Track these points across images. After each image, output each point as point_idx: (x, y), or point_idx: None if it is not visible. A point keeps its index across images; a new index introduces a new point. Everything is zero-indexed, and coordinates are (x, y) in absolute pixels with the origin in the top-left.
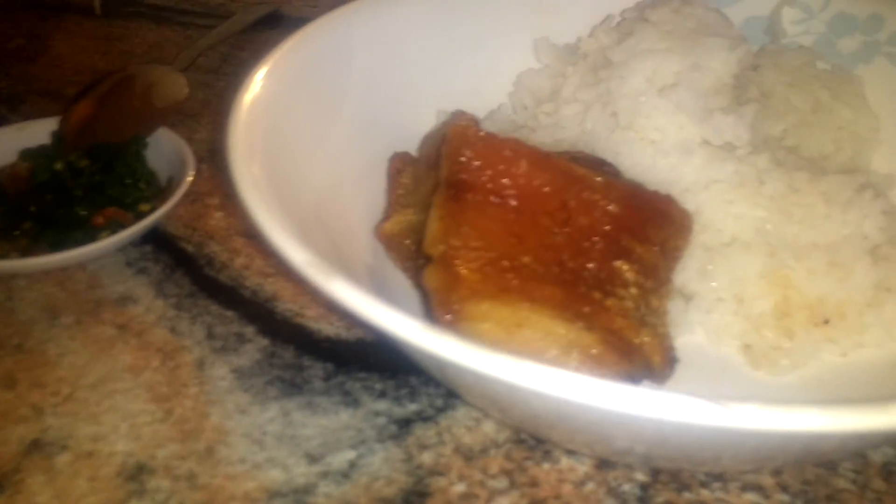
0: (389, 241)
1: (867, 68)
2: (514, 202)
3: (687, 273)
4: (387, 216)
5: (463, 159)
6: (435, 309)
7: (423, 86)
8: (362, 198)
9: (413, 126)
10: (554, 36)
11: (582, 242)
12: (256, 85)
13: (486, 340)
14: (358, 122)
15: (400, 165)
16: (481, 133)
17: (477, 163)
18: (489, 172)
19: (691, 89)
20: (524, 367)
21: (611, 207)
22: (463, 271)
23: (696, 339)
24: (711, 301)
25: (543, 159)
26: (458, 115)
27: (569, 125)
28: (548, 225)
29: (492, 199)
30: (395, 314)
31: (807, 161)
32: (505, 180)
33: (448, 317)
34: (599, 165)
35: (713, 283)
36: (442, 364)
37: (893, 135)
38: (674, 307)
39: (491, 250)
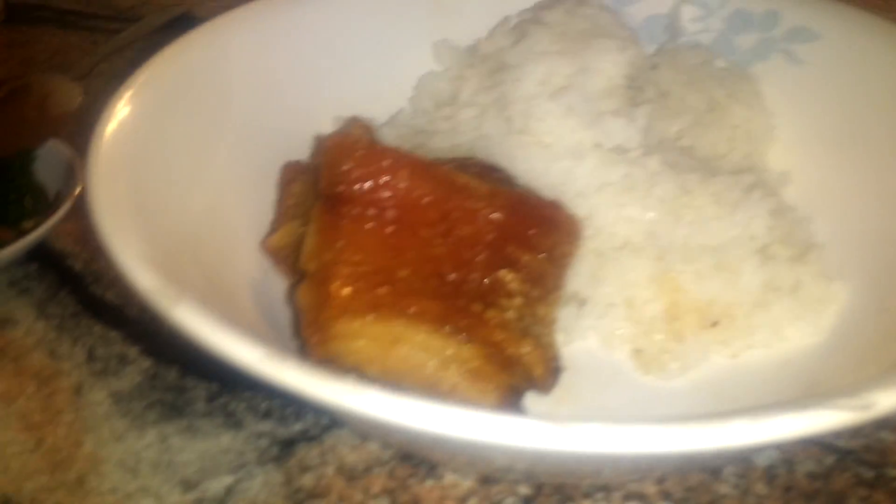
0: (277, 255)
1: (764, 65)
2: (393, 214)
3: (579, 278)
4: (274, 228)
5: (340, 171)
6: (304, 329)
7: (321, 92)
8: (253, 210)
9: (310, 133)
10: (454, 38)
11: (464, 253)
12: (123, 102)
13: (360, 359)
14: (247, 133)
15: (291, 175)
16: (360, 144)
17: (355, 175)
18: (368, 184)
19: (582, 92)
20: (364, 397)
21: (495, 216)
22: (334, 288)
23: (588, 345)
24: (603, 306)
25: (425, 170)
26: (353, 121)
27: (466, 129)
28: (429, 237)
29: (370, 211)
30: (234, 341)
31: (701, 161)
32: (384, 192)
33: (317, 337)
34: (491, 171)
35: (605, 288)
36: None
37: (789, 132)
38: (567, 313)
39: (366, 265)
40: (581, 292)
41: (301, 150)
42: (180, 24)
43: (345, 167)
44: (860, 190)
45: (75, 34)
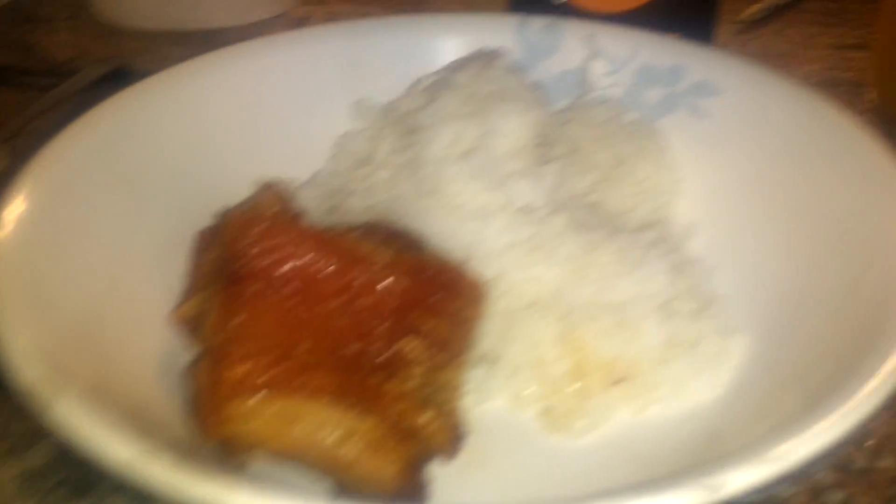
0: (187, 326)
1: (671, 118)
2: (293, 289)
3: (490, 338)
4: (185, 298)
5: (241, 247)
6: (199, 410)
7: (240, 154)
8: (168, 280)
9: (227, 197)
10: (372, 97)
11: (366, 324)
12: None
13: (257, 439)
14: (162, 201)
15: (205, 243)
16: (262, 218)
17: (256, 250)
18: (269, 259)
19: (488, 155)
20: (235, 498)
21: (397, 285)
22: (229, 367)
23: (499, 405)
24: (513, 366)
25: (326, 242)
26: (269, 186)
27: (380, 190)
28: (330, 310)
29: (270, 287)
30: (103, 441)
31: (608, 217)
32: (285, 267)
33: (212, 419)
34: (399, 236)
35: (514, 348)
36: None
37: (695, 184)
38: (477, 374)
39: (265, 342)
40: (491, 353)
41: (218, 216)
42: (117, 77)
43: (246, 243)
44: (758, 242)
45: (7, 91)
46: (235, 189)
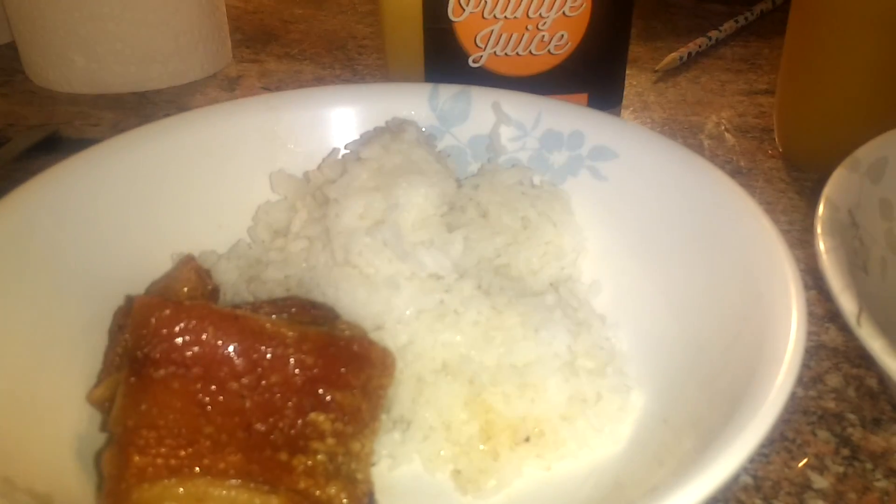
0: (103, 408)
1: (575, 181)
2: (199, 372)
3: (402, 404)
4: (101, 379)
5: (145, 333)
6: (104, 499)
7: (160, 229)
8: (87, 360)
9: (148, 273)
10: (291, 167)
11: (273, 402)
12: None
13: None
14: (82, 280)
15: (122, 321)
16: (166, 303)
17: (160, 336)
18: (173, 344)
19: (395, 226)
20: None
21: (304, 361)
22: (134, 455)
23: (413, 468)
24: (425, 429)
25: (231, 323)
26: (186, 260)
27: (297, 261)
28: (236, 390)
29: (176, 372)
30: None
31: (515, 280)
32: (190, 351)
33: None
34: (310, 309)
35: (425, 412)
36: None
37: (597, 244)
38: (392, 439)
39: (170, 427)
40: (405, 417)
41: (138, 292)
42: (49, 144)
43: (150, 329)
44: (653, 299)
45: None
46: (158, 263)
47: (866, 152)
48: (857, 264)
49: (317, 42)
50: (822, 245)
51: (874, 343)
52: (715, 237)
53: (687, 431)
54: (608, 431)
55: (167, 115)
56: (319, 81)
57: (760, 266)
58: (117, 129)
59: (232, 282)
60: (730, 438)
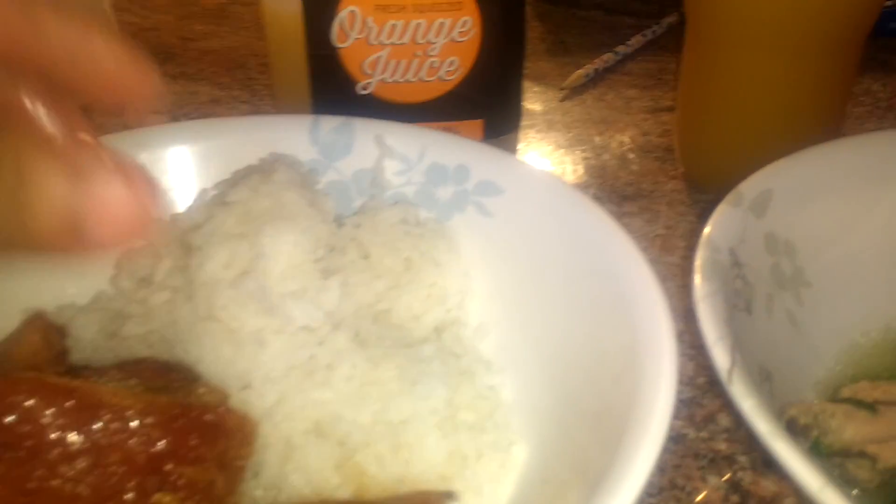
0: None
1: (462, 216)
2: (28, 453)
3: (270, 469)
4: None
5: None
6: None
7: (7, 279)
8: None
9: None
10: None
11: (113, 484)
12: None
13: None
14: None
15: None
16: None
17: None
18: (2, 419)
19: (261, 277)
20: None
21: (149, 436)
22: None
23: None
24: (296, 495)
25: (66, 396)
26: (36, 317)
27: (159, 314)
28: (70, 474)
29: (2, 451)
30: None
31: (395, 327)
32: (21, 429)
33: None
34: (167, 372)
35: (294, 478)
36: None
37: (484, 285)
38: None
39: None
40: (273, 483)
41: None
42: None
43: None
44: (537, 344)
45: None
46: (6, 322)
47: (749, 186)
48: (738, 306)
49: (216, 60)
50: (697, 293)
51: (744, 403)
52: (594, 277)
53: (570, 485)
54: (488, 490)
55: None
56: (215, 103)
57: (638, 307)
58: None
59: (90, 338)
60: (612, 489)
